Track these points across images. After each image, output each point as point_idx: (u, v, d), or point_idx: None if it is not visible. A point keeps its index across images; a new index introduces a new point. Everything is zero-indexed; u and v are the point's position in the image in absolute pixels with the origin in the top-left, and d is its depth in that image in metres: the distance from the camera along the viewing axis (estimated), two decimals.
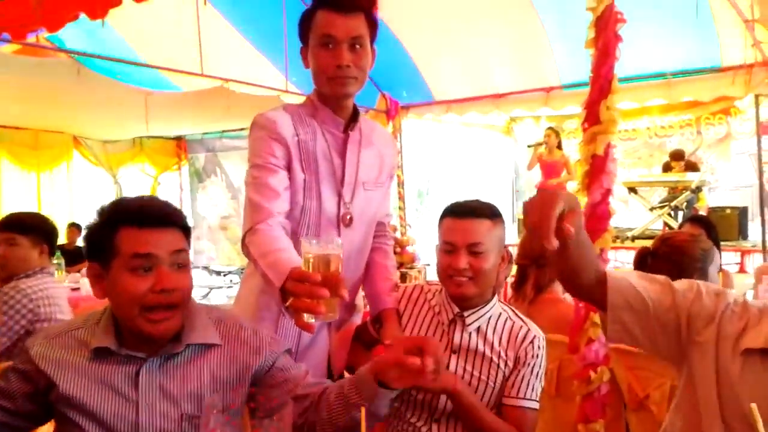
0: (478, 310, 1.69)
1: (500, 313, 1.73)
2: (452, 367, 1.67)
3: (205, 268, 9.30)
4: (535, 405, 1.67)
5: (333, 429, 1.29)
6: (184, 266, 1.28)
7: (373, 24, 1.65)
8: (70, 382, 1.27)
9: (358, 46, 1.62)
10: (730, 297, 1.25)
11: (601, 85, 1.81)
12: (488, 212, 1.67)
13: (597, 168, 1.82)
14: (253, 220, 1.56)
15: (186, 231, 1.33)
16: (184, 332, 1.31)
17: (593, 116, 1.82)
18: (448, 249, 1.65)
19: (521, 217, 8.41)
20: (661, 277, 1.30)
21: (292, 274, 1.23)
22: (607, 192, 1.83)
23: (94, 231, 1.29)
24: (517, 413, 1.64)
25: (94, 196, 8.52)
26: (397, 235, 7.19)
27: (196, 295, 1.34)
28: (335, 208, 1.71)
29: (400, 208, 7.28)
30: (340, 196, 1.71)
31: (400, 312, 1.79)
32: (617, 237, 7.31)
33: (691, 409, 1.26)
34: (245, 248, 1.56)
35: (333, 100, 1.70)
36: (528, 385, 1.66)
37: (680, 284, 1.29)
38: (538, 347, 1.69)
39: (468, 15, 5.29)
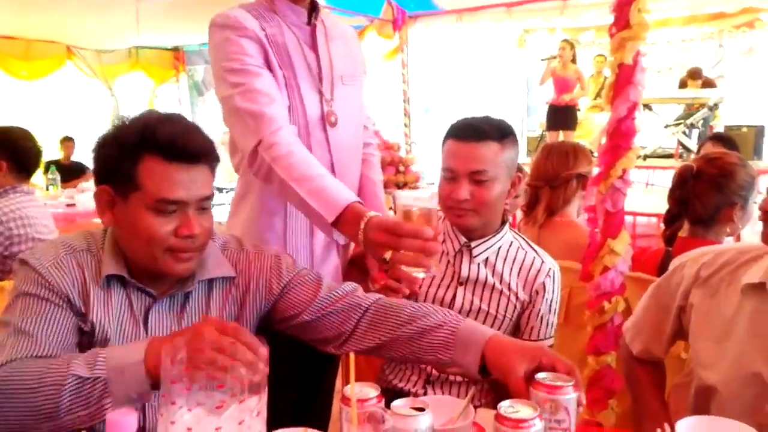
0: (487, 240, 1.56)
1: (511, 242, 1.60)
2: (459, 299, 1.57)
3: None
4: (552, 341, 1.60)
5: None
6: (207, 208, 1.19)
7: None
8: (94, 311, 1.14)
9: None
10: (689, 266, 1.32)
11: None
12: (496, 133, 1.49)
13: (624, 78, 1.63)
14: (260, 131, 1.37)
15: (214, 168, 1.21)
16: (189, 276, 1.21)
17: (623, 20, 1.61)
18: (448, 176, 1.49)
19: (530, 135, 8.27)
20: (659, 305, 1.39)
21: (384, 226, 1.15)
22: (634, 106, 1.64)
23: (111, 153, 1.15)
24: None
25: (89, 108, 8.31)
26: (402, 153, 7.02)
27: None
28: (318, 107, 1.53)
29: (405, 125, 7.07)
30: (320, 93, 1.53)
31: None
32: None
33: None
34: (258, 165, 1.37)
35: None
36: (547, 324, 1.58)
37: (660, 292, 1.39)
38: (555, 281, 1.58)
39: None
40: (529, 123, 9.30)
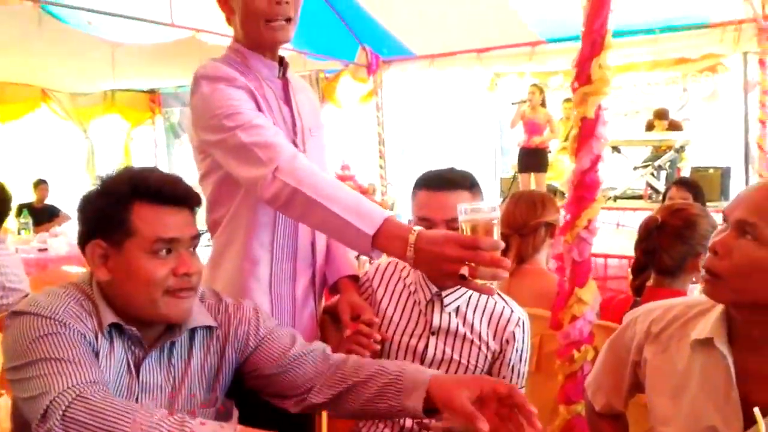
0: (458, 289, 1.58)
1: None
2: (431, 349, 1.58)
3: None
4: (523, 391, 1.61)
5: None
6: (195, 249, 1.24)
7: None
8: (100, 360, 1.14)
9: None
10: (641, 321, 1.34)
11: (593, 40, 1.66)
12: (466, 182, 1.54)
13: (587, 132, 1.68)
14: (275, 159, 1.33)
15: (194, 212, 1.25)
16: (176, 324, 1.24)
17: (584, 75, 1.67)
18: (425, 225, 1.48)
19: (504, 176, 8.38)
20: (615, 360, 1.41)
21: (452, 239, 1.14)
22: (597, 158, 1.69)
23: (100, 205, 1.18)
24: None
25: (64, 151, 8.26)
26: (378, 195, 7.08)
27: None
28: None
29: (380, 166, 7.14)
30: (295, 145, 1.55)
31: (374, 289, 1.67)
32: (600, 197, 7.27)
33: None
34: (277, 190, 1.32)
35: (265, 48, 1.55)
36: (518, 374, 1.61)
37: (614, 340, 1.43)
38: (524, 330, 1.61)
39: None
40: (501, 164, 9.45)
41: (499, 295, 1.63)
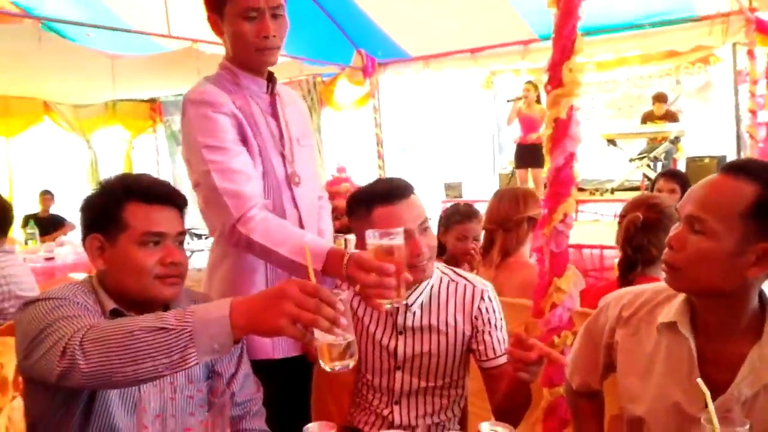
0: (419, 286, 1.65)
1: (441, 278, 1.70)
2: (401, 348, 1.66)
3: (188, 230, 9.23)
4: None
5: None
6: (182, 244, 1.40)
7: None
8: None
9: (278, 14, 1.60)
10: (612, 306, 1.43)
11: (563, 45, 1.75)
12: (412, 187, 1.61)
13: (560, 131, 1.78)
14: (239, 210, 1.52)
15: (183, 212, 1.41)
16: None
17: (556, 78, 1.77)
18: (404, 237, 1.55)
19: (502, 172, 8.46)
20: (590, 342, 1.50)
21: (357, 263, 1.33)
22: (571, 156, 1.79)
23: (97, 204, 1.36)
24: (496, 375, 1.64)
25: (67, 162, 8.38)
26: None
27: None
28: (282, 169, 1.69)
29: (379, 166, 7.24)
30: (283, 156, 1.69)
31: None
32: (596, 189, 7.36)
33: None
34: (236, 240, 1.54)
35: (253, 69, 1.67)
36: (498, 341, 1.67)
37: (588, 325, 1.51)
38: (490, 299, 1.68)
39: None
40: (499, 160, 9.53)
41: (457, 273, 1.71)
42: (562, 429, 1.89)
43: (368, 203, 1.57)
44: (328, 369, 1.11)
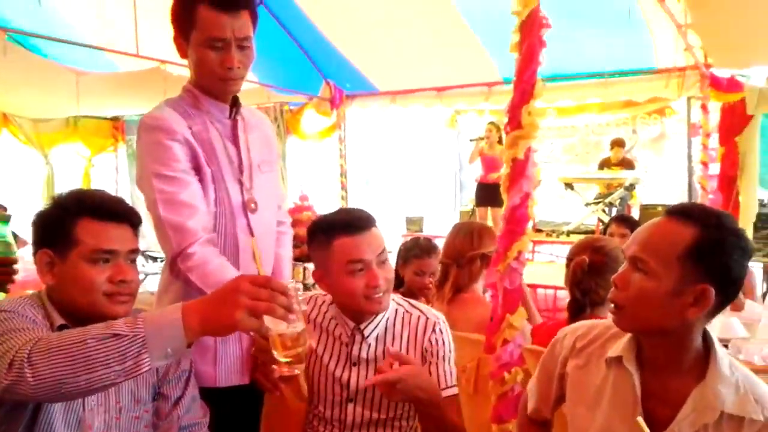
0: (375, 317, 1.66)
1: (396, 310, 1.71)
2: (353, 380, 1.66)
3: (142, 253, 9.07)
4: (456, 390, 1.67)
5: None
6: (134, 261, 1.40)
7: (256, 18, 1.63)
8: None
9: (245, 46, 1.61)
10: (568, 337, 1.48)
11: (523, 89, 1.82)
12: (373, 219, 1.63)
13: (517, 172, 1.84)
14: (180, 244, 1.54)
15: (137, 230, 1.41)
16: None
17: (515, 120, 1.84)
18: (358, 268, 1.56)
19: (463, 209, 8.57)
20: (545, 372, 1.54)
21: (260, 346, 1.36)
22: (527, 196, 1.85)
23: (49, 218, 1.35)
24: (446, 404, 1.62)
25: (23, 176, 8.19)
26: None
27: None
28: (239, 196, 1.69)
29: (342, 197, 7.27)
30: (241, 183, 1.69)
31: (308, 319, 1.73)
32: (553, 231, 7.50)
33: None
34: (177, 272, 1.56)
35: (216, 96, 1.68)
36: (444, 373, 1.66)
37: (546, 360, 1.54)
38: (441, 331, 1.68)
39: (394, 11, 5.27)
40: (461, 198, 9.66)
41: (412, 305, 1.73)
42: None
43: (329, 232, 1.58)
44: (282, 360, 1.15)
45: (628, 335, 1.34)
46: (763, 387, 1.26)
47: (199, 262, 1.53)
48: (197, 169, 1.62)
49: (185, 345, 1.04)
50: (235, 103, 1.72)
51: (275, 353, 1.15)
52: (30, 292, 1.41)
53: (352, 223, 1.58)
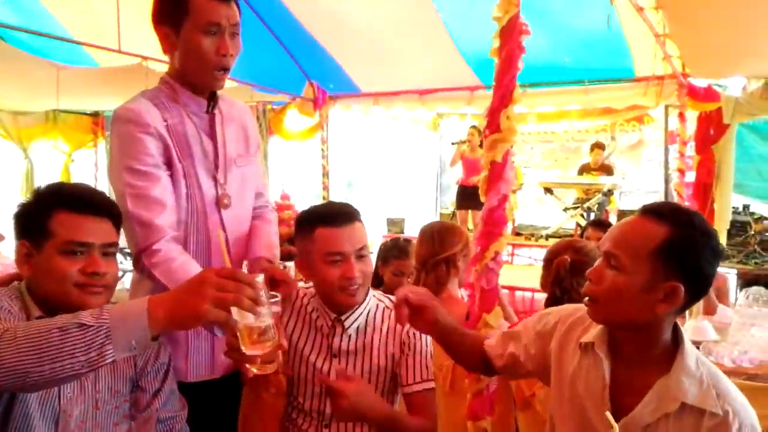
0: (355, 310, 1.70)
1: (377, 305, 1.75)
2: (333, 371, 1.67)
3: (121, 250, 8.98)
4: (432, 384, 1.71)
5: None
6: (112, 255, 1.40)
7: (240, 11, 1.65)
8: None
9: (236, 33, 1.62)
10: (552, 315, 1.53)
11: (502, 94, 1.86)
12: (358, 214, 1.67)
13: (495, 174, 1.88)
14: (146, 240, 1.54)
15: (118, 223, 1.42)
16: None
17: (494, 124, 1.87)
18: (336, 259, 1.61)
19: (444, 211, 8.62)
20: (525, 330, 1.57)
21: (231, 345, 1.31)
22: (504, 198, 1.88)
23: (27, 211, 1.37)
24: (420, 398, 1.67)
25: (2, 171, 8.10)
26: None
27: None
28: (212, 191, 1.69)
29: (323, 198, 7.27)
30: (215, 179, 1.69)
31: (281, 311, 1.73)
32: (532, 235, 7.58)
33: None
34: (142, 267, 1.55)
35: (198, 90, 1.68)
36: (421, 366, 1.70)
37: (533, 323, 1.56)
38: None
39: (378, 13, 5.30)
40: (441, 201, 9.72)
41: (392, 301, 1.75)
42: None
43: (313, 222, 1.63)
44: (248, 353, 1.15)
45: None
46: (727, 383, 1.31)
47: (163, 258, 1.54)
48: (169, 164, 1.61)
49: (149, 337, 1.04)
50: (212, 97, 1.72)
51: (243, 347, 1.16)
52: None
53: (334, 215, 1.62)
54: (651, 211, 1.29)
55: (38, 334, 1.03)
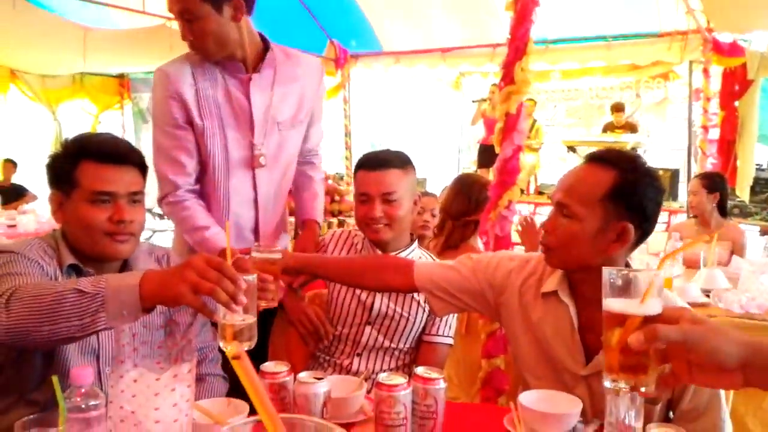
0: (399, 252, 1.81)
1: (420, 257, 1.85)
2: (377, 304, 1.79)
3: (149, 210, 9.16)
4: (450, 341, 1.83)
5: None
6: (139, 202, 1.43)
7: None
8: None
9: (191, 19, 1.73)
10: (508, 262, 1.53)
11: (516, 46, 1.91)
12: (398, 162, 1.77)
13: (509, 125, 1.94)
14: (162, 191, 1.78)
15: (143, 170, 1.46)
16: (128, 267, 1.44)
17: (508, 76, 1.93)
18: (363, 199, 1.77)
19: (465, 170, 8.65)
20: (460, 264, 1.55)
21: (240, 266, 1.34)
22: (518, 148, 1.95)
23: (56, 162, 1.42)
24: (430, 349, 1.80)
25: (32, 132, 8.28)
26: (343, 185, 7.28)
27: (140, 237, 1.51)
28: (244, 151, 1.80)
29: (346, 157, 7.34)
30: (248, 139, 1.79)
31: (330, 253, 1.88)
32: None
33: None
34: (163, 212, 1.81)
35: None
36: (446, 323, 1.82)
37: (480, 259, 1.56)
38: None
39: None
40: (461, 159, 9.73)
41: (433, 259, 1.86)
42: (497, 397, 2.05)
43: (356, 167, 1.81)
44: (222, 348, 1.17)
45: (559, 271, 1.45)
46: (683, 305, 1.37)
47: (174, 209, 1.77)
48: (190, 123, 1.75)
49: (140, 309, 1.09)
50: (262, 59, 1.78)
51: (219, 341, 1.15)
52: None
53: (370, 160, 1.78)
54: (597, 159, 1.35)
55: (42, 295, 1.09)
